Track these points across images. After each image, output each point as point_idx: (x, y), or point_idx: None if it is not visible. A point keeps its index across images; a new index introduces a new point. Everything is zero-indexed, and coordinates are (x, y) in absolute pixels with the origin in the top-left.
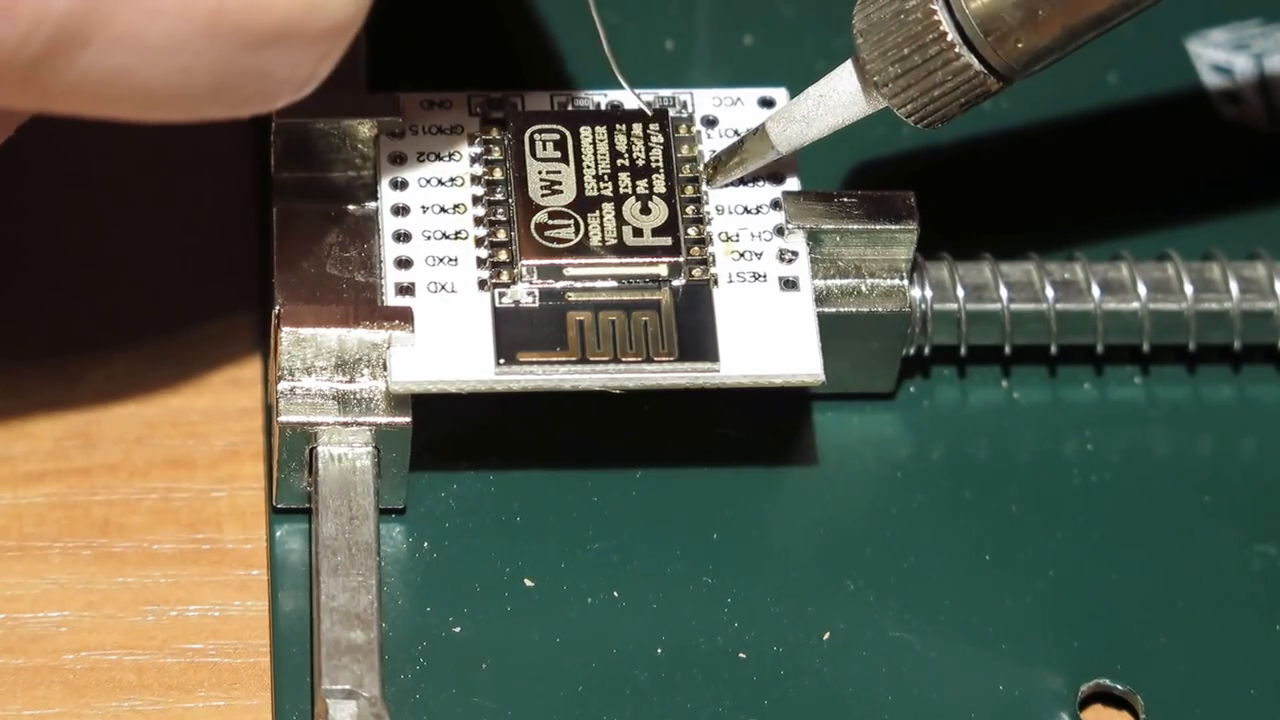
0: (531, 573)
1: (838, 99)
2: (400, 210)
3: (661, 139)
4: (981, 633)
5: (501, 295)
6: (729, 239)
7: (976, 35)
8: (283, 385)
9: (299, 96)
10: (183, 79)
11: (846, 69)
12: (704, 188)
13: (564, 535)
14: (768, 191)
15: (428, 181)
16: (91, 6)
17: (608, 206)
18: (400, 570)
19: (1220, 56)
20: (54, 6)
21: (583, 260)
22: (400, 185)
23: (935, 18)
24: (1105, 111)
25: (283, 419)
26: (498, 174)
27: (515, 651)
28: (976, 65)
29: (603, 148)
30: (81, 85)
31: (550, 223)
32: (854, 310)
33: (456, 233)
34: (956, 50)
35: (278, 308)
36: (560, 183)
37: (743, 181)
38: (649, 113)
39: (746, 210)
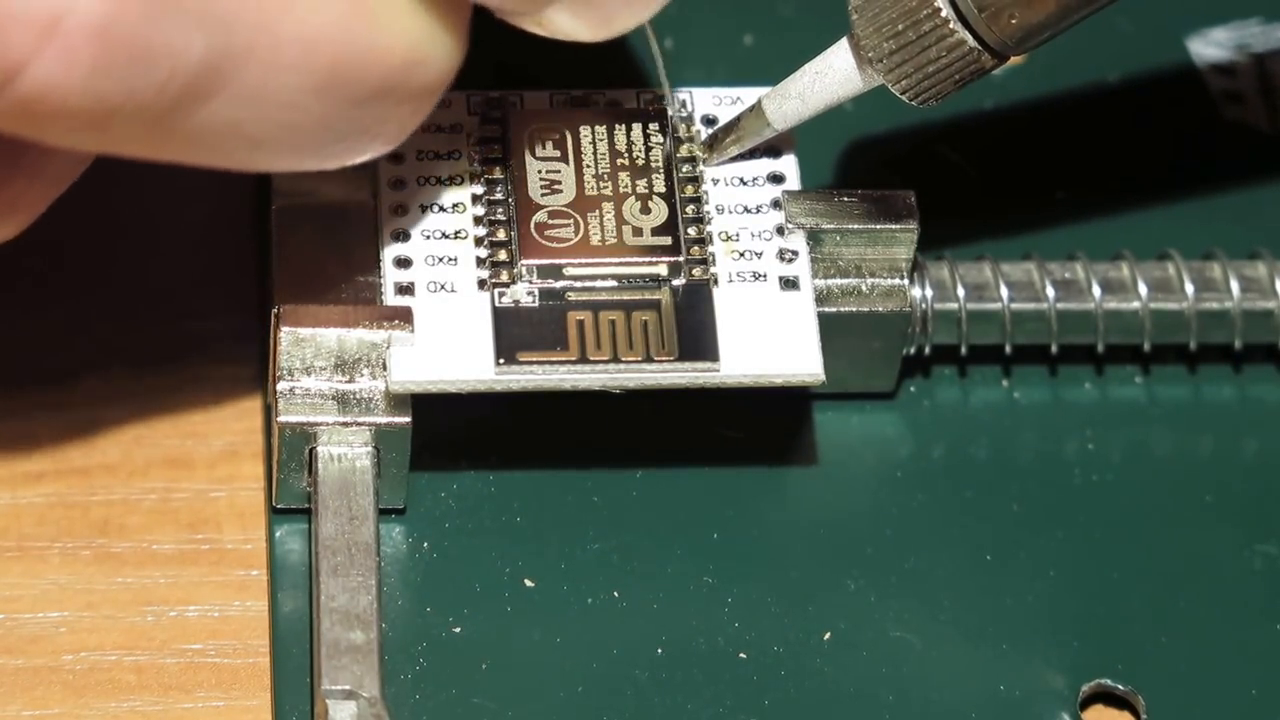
0: (531, 573)
1: (833, 75)
2: (399, 210)
3: (661, 138)
4: (982, 632)
5: (501, 295)
6: (729, 238)
7: (970, 11)
8: (282, 385)
9: (385, 152)
10: (290, 134)
11: (842, 46)
12: (700, 168)
13: (564, 535)
14: (768, 191)
15: (427, 180)
16: (223, 57)
17: (607, 206)
18: (400, 570)
19: (1221, 56)
20: (191, 56)
21: (583, 260)
22: (399, 184)
23: None
24: (1106, 111)
25: (282, 419)
26: (497, 173)
27: (515, 652)
28: (971, 41)
29: (602, 147)
30: (199, 134)
31: (550, 222)
32: (854, 310)
33: (456, 232)
34: (951, 26)
35: (277, 308)
36: (560, 182)
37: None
38: (697, 135)
39: (747, 210)
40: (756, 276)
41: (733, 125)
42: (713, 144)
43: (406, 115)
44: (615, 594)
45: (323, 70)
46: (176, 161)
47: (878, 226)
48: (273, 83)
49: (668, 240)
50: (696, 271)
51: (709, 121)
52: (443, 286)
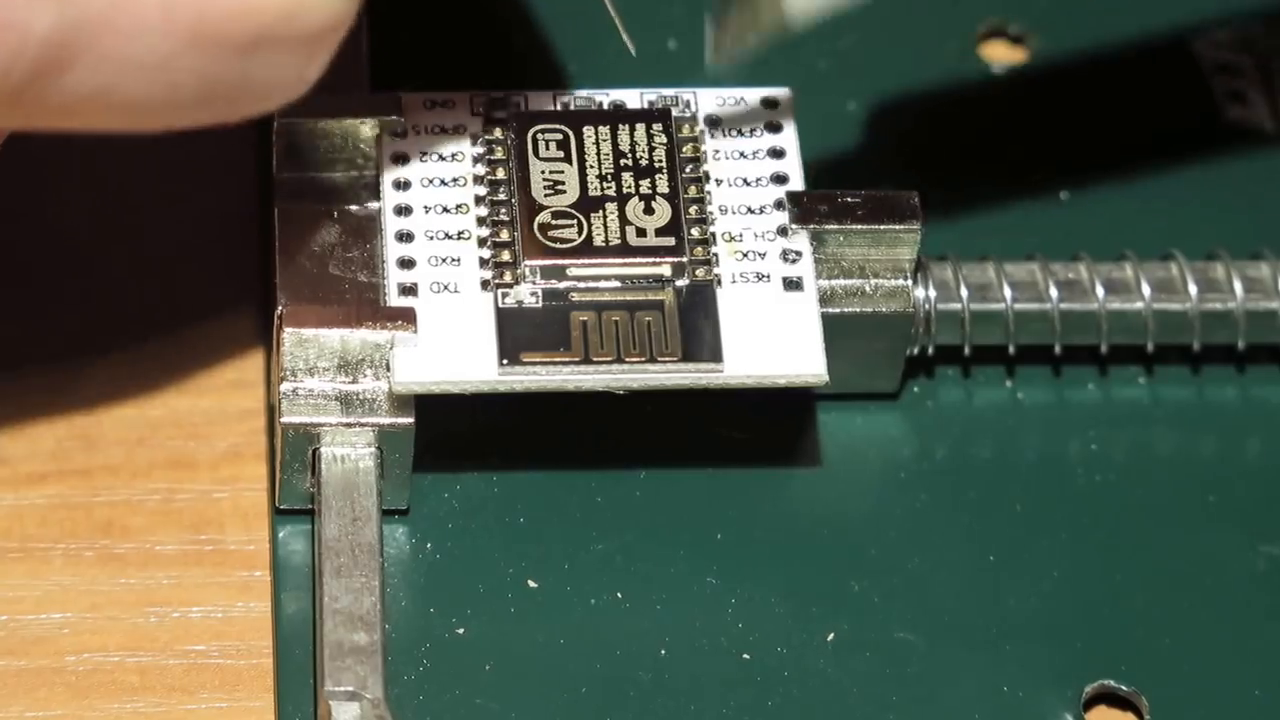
0: (535, 574)
1: None
2: (403, 210)
3: (665, 138)
4: (985, 633)
5: (504, 295)
6: (732, 239)
7: None
8: (285, 386)
9: (290, 99)
10: (169, 91)
11: None
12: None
13: (567, 536)
14: (771, 191)
15: (430, 181)
16: (73, 30)
17: (611, 206)
18: (403, 571)
19: (1225, 56)
20: (35, 31)
21: (586, 260)
22: (403, 185)
23: None
24: (1109, 111)
25: (285, 420)
26: (500, 174)
27: (519, 653)
28: None
29: (606, 147)
30: (68, 104)
31: (553, 223)
32: (858, 310)
33: (459, 233)
34: None
35: (280, 308)
36: (563, 182)
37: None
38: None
39: (750, 210)
40: (760, 277)
41: (744, 9)
42: (721, 36)
43: (301, 62)
44: (618, 595)
45: (188, 26)
46: (58, 130)
47: (881, 227)
48: (135, 46)
49: (671, 241)
50: (700, 272)
51: (712, 122)
52: (446, 287)
